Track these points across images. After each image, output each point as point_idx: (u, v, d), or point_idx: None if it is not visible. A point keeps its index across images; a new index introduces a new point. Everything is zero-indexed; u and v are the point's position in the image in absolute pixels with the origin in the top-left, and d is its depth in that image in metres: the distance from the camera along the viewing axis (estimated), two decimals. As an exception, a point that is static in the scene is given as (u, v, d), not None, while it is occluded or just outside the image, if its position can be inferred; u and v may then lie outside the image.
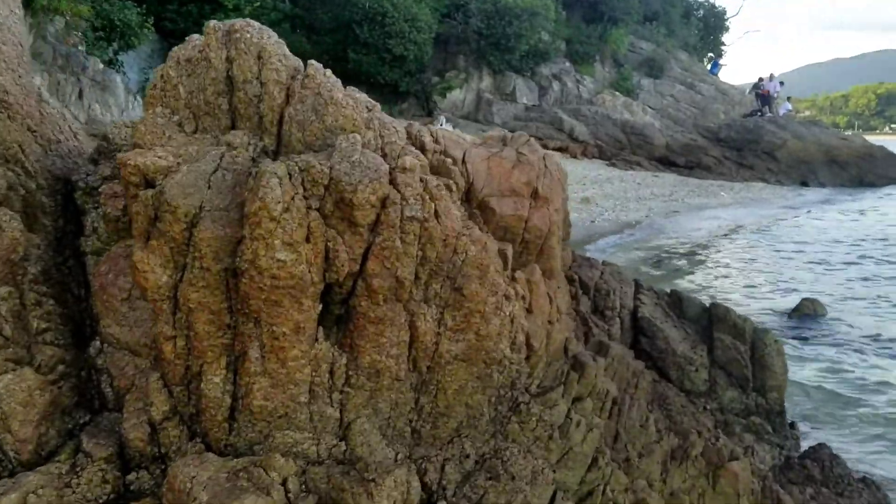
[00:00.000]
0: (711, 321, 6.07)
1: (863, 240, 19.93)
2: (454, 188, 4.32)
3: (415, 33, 31.22)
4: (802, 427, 7.00)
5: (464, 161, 4.65)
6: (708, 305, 6.24)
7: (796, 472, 5.79)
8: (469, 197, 4.67)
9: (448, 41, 34.35)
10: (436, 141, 4.66)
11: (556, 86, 37.14)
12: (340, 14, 31.73)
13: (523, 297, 4.62)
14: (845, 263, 16.52)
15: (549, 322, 4.84)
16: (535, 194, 4.84)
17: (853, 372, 9.07)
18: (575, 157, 32.48)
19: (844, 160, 33.95)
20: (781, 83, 39.78)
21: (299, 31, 32.50)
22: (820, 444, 6.14)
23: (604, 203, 20.84)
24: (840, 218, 24.15)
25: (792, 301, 12.50)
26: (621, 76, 40.84)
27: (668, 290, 6.39)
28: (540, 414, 4.29)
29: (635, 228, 18.30)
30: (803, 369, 9.04)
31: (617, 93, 38.85)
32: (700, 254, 16.66)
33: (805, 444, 6.38)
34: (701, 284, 13.81)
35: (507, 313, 4.28)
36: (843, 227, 22.14)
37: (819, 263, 16.35)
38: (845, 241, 19.47)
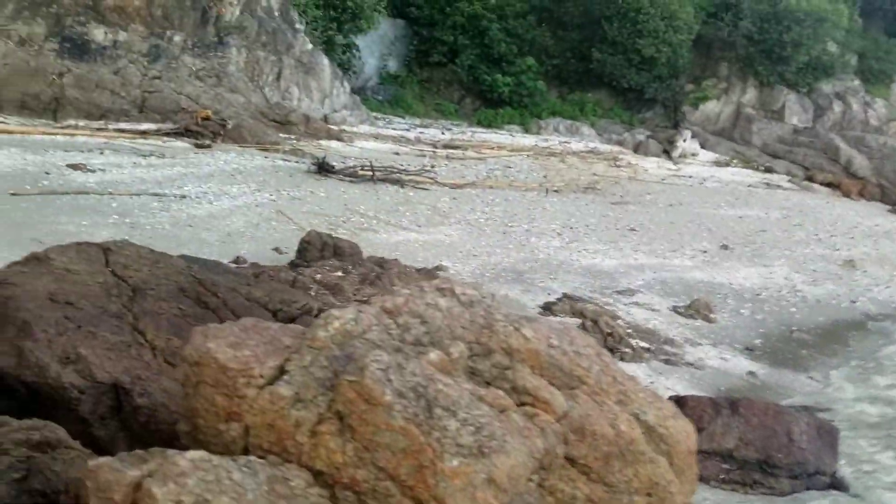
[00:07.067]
0: None
1: None
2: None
3: (671, 33, 27.47)
4: None
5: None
6: None
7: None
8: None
9: (710, 45, 29.97)
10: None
11: (836, 107, 31.19)
12: (591, 8, 28.74)
13: None
14: None
15: None
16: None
17: None
18: (848, 196, 26.99)
19: None
20: None
21: (545, 24, 29.98)
22: None
23: (875, 271, 16.05)
24: None
25: None
26: (925, 102, 33.66)
27: None
28: None
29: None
30: None
31: (916, 123, 31.97)
32: None
33: None
34: None
35: None
36: None
37: None
38: None
